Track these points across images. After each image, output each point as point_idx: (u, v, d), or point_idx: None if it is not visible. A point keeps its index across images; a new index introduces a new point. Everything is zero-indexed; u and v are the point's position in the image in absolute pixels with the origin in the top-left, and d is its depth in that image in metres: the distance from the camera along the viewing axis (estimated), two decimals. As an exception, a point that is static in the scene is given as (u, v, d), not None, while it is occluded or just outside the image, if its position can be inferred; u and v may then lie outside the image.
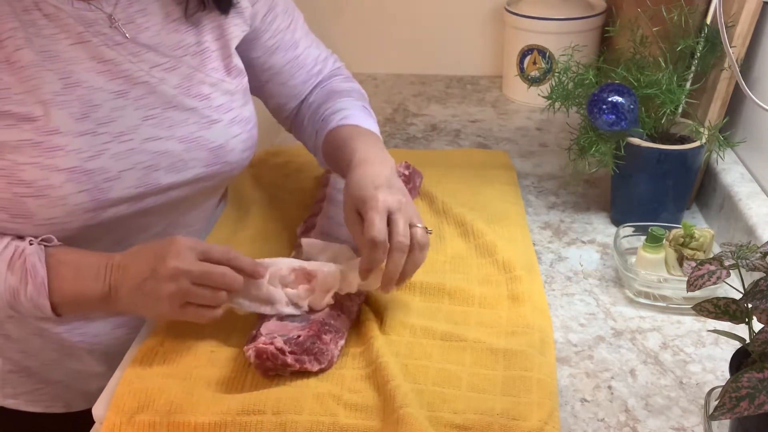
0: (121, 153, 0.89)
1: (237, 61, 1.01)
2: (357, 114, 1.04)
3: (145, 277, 0.82)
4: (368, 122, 1.04)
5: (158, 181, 0.93)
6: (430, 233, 0.87)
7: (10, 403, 1.05)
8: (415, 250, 0.84)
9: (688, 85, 1.11)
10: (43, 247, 0.86)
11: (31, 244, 0.86)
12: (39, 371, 1.03)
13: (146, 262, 0.83)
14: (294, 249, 1.00)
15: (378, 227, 0.83)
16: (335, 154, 1.00)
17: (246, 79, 1.03)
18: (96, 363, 1.03)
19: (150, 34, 0.92)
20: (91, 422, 0.81)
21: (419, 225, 0.85)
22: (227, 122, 0.97)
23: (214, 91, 0.96)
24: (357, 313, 0.91)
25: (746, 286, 0.69)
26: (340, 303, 0.88)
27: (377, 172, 0.89)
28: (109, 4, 0.90)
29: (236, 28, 1.00)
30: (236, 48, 1.04)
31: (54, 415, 1.07)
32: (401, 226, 0.84)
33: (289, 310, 0.87)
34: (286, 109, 1.13)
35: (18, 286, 0.84)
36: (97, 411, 0.80)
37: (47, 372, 1.04)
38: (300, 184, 1.21)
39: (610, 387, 0.84)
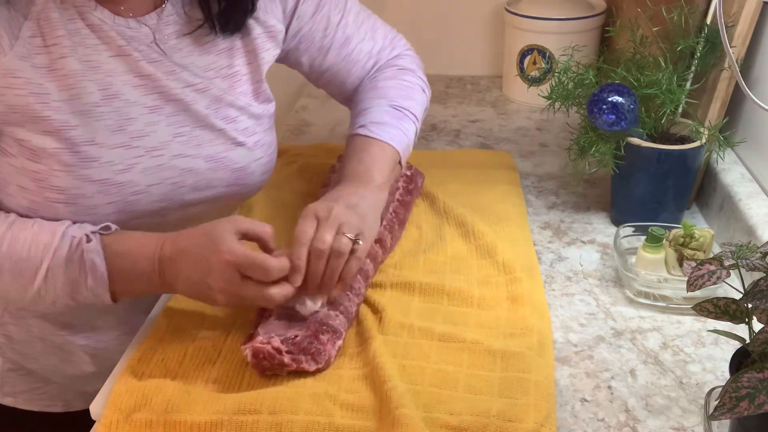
0: (152, 168, 0.91)
1: (266, 87, 1.01)
2: (378, 120, 1.02)
3: (194, 281, 0.83)
4: (385, 131, 1.01)
5: (182, 197, 0.94)
6: (358, 243, 0.86)
7: (9, 402, 1.05)
8: (332, 257, 0.84)
9: (688, 85, 1.11)
10: (99, 238, 0.86)
11: (88, 239, 0.85)
12: (38, 371, 1.03)
13: (195, 265, 0.83)
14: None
15: (299, 229, 0.85)
16: (343, 162, 1.02)
17: (273, 104, 1.03)
18: (96, 367, 1.03)
19: (183, 54, 0.93)
20: (91, 422, 0.80)
21: (346, 234, 0.85)
22: (251, 145, 0.98)
23: (241, 115, 0.97)
24: (356, 313, 0.90)
25: (746, 286, 0.69)
26: (338, 303, 0.88)
27: (343, 192, 0.92)
28: (148, 24, 0.90)
29: (267, 53, 1.00)
30: (293, 55, 1.06)
31: (53, 415, 1.07)
32: (320, 232, 0.84)
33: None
34: (350, 103, 1.13)
35: (78, 278, 0.84)
36: (95, 409, 0.80)
37: (46, 373, 1.03)
38: (301, 185, 1.21)
39: (610, 387, 0.84)
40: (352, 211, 0.88)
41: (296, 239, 0.84)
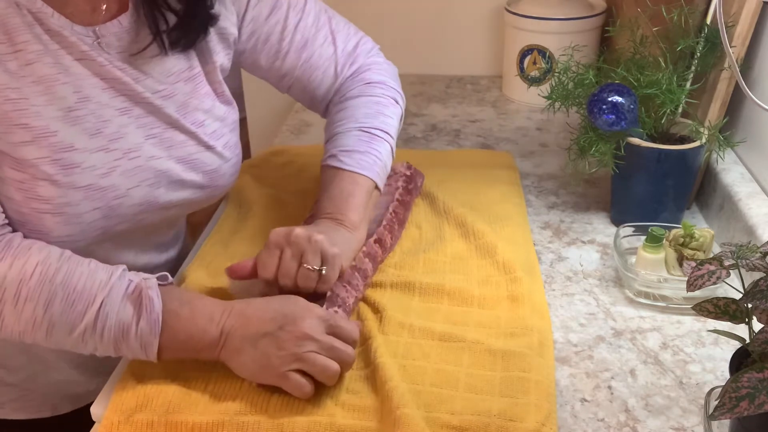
0: (130, 170, 0.89)
1: (225, 88, 1.00)
2: (348, 147, 1.00)
3: (268, 331, 0.79)
4: (355, 159, 0.99)
5: (158, 199, 0.93)
6: (319, 272, 0.86)
7: None
8: (298, 286, 0.86)
9: (688, 85, 1.11)
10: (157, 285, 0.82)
11: (147, 280, 0.82)
12: (19, 384, 1.01)
13: (273, 318, 0.80)
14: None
15: (262, 263, 0.87)
16: (317, 198, 1.01)
17: (234, 106, 1.02)
18: (79, 374, 1.02)
19: (143, 61, 0.91)
20: (80, 426, 0.80)
21: (308, 266, 0.85)
22: (220, 148, 0.98)
23: (208, 118, 0.97)
24: (353, 306, 0.90)
25: (746, 286, 0.69)
26: (335, 295, 0.88)
27: (315, 227, 0.92)
28: (108, 32, 0.88)
29: (219, 56, 0.99)
30: (249, 57, 1.04)
31: (42, 421, 1.05)
32: (283, 262, 0.86)
33: None
34: (320, 113, 1.11)
35: (130, 321, 0.79)
36: (95, 410, 0.80)
37: (29, 383, 1.01)
38: (301, 185, 1.21)
39: (610, 387, 0.84)
40: (319, 234, 0.88)
41: (259, 276, 0.86)
